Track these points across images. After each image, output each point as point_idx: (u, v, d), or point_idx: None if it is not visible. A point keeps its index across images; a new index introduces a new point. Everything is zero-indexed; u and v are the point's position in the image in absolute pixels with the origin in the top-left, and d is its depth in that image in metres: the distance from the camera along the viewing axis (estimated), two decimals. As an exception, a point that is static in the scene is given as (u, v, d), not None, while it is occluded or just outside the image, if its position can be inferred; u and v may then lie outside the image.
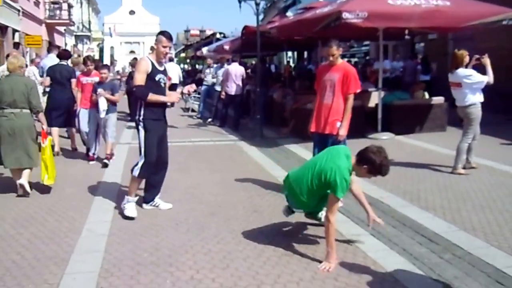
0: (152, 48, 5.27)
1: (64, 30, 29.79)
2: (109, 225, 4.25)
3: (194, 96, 13.46)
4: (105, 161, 6.65)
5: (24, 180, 5.05)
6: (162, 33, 4.59)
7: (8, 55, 7.86)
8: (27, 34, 19.25)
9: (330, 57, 4.83)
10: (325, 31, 7.80)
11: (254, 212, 4.57)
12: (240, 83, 10.42)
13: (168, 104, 5.18)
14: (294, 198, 3.66)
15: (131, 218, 4.37)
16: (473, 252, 3.56)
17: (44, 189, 5.33)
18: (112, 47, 63.82)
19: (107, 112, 6.61)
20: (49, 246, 3.78)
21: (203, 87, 12.67)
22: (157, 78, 4.49)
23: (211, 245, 3.76)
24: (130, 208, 4.47)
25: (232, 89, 10.40)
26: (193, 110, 13.27)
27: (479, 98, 5.77)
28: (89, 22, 42.45)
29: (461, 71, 5.79)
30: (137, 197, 4.64)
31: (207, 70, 13.09)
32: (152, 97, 4.41)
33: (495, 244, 3.72)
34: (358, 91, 4.89)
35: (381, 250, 3.60)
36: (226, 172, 6.30)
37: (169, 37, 4.55)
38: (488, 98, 5.83)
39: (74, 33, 34.93)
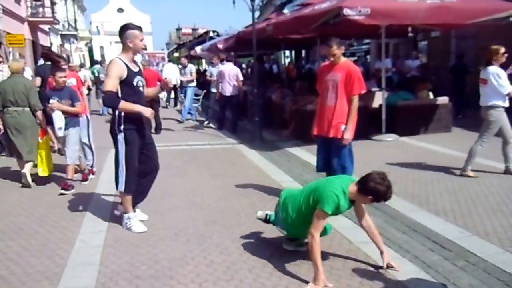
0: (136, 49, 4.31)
1: (49, 28, 28.73)
2: (104, 235, 4.05)
3: (194, 98, 13.22)
4: (62, 190, 5.37)
5: (26, 170, 5.70)
6: (129, 27, 3.99)
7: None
8: (8, 33, 18.34)
9: (331, 57, 4.61)
10: (324, 29, 7.59)
11: (258, 220, 4.36)
12: (236, 84, 10.22)
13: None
14: (284, 214, 3.47)
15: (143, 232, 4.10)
16: (488, 259, 3.40)
17: (39, 181, 5.82)
18: (102, 47, 62.90)
19: (66, 127, 5.42)
20: (40, 260, 3.58)
21: (184, 89, 12.35)
22: (135, 82, 3.98)
23: (213, 256, 3.58)
24: (136, 224, 4.17)
25: (226, 89, 10.20)
26: (189, 113, 13.08)
27: (502, 101, 5.43)
28: (75, 20, 41.26)
29: (492, 68, 5.43)
30: (137, 211, 4.38)
31: (182, 71, 12.76)
32: (124, 105, 3.87)
33: (511, 250, 3.56)
34: (363, 92, 4.67)
35: (392, 258, 3.41)
36: (226, 176, 6.11)
37: (139, 28, 4.02)
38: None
39: (60, 32, 33.82)
